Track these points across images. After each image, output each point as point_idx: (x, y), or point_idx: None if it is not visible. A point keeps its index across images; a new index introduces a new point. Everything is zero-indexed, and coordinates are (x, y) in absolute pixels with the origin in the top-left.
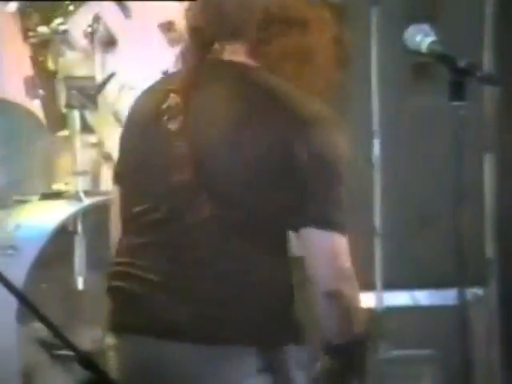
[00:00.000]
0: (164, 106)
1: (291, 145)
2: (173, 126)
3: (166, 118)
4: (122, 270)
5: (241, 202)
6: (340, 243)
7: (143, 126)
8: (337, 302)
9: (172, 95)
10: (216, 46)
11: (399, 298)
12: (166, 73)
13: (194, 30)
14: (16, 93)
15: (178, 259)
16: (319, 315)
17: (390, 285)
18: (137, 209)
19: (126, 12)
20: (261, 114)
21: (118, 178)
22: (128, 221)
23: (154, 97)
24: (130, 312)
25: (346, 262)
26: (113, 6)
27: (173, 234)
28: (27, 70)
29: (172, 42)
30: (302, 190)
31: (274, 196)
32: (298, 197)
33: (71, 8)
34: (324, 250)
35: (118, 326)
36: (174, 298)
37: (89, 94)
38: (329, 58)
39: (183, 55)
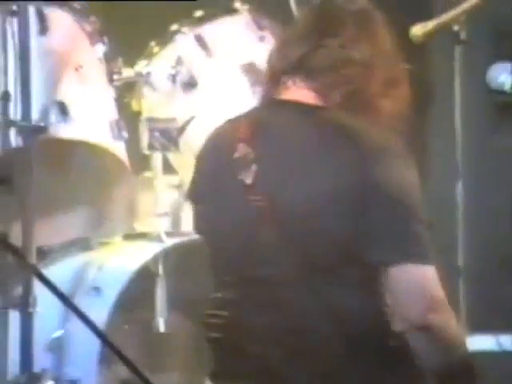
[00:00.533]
0: (235, 155)
1: (368, 183)
2: (247, 178)
3: (238, 169)
4: (219, 323)
5: (329, 248)
6: (431, 274)
7: (215, 181)
8: (434, 333)
9: (241, 144)
10: (286, 84)
11: (484, 343)
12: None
13: (269, 69)
14: (100, 135)
15: (274, 313)
16: (417, 351)
17: (475, 328)
18: (225, 264)
19: (208, 52)
20: (336, 154)
21: (200, 231)
22: (219, 275)
23: (222, 145)
24: (231, 362)
25: (439, 291)
26: (194, 46)
27: (264, 289)
28: (112, 112)
29: (253, 84)
30: (382, 224)
31: (356, 236)
32: (381, 232)
33: (155, 50)
34: (416, 284)
35: (219, 375)
36: (276, 351)
37: (171, 135)
38: (404, 97)
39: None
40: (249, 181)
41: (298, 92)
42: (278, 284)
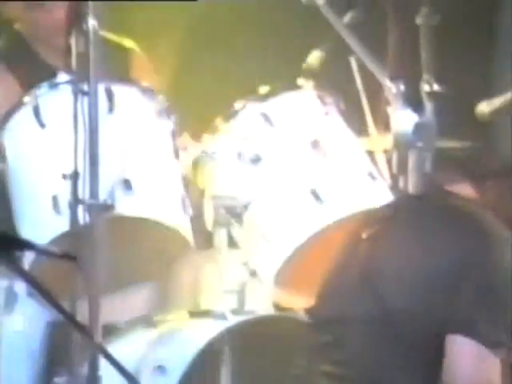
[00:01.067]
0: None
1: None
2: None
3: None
4: None
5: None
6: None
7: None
8: None
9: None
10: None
11: None
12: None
13: None
14: (165, 212)
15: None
16: None
17: None
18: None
19: (272, 128)
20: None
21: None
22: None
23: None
24: None
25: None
26: (259, 122)
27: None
28: (178, 189)
29: (317, 160)
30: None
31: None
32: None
33: (220, 126)
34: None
35: None
36: None
37: (235, 212)
38: None
39: None
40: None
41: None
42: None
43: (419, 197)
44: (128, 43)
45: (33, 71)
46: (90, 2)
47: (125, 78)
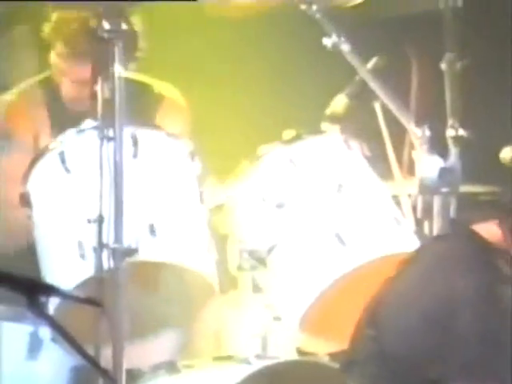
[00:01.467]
0: None
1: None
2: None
3: None
4: None
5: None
6: None
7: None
8: None
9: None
10: None
11: None
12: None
13: None
14: (189, 256)
15: None
16: None
17: None
18: None
19: (297, 173)
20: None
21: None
22: None
23: None
24: None
25: None
26: (284, 166)
27: None
28: (202, 233)
29: (341, 204)
30: None
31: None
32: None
33: (245, 171)
34: None
35: None
36: None
37: (259, 256)
38: None
39: None
40: None
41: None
42: None
43: (443, 237)
44: (157, 88)
45: (57, 117)
46: (117, 49)
47: (150, 122)
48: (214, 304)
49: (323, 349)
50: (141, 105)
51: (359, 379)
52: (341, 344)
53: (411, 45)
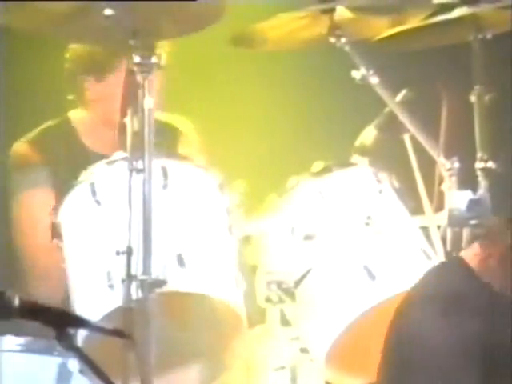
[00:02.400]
0: None
1: None
2: None
3: None
4: None
5: None
6: None
7: None
8: None
9: None
10: None
11: None
12: None
13: None
14: (217, 287)
15: None
16: None
17: None
18: None
19: (326, 205)
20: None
21: None
22: None
23: None
24: None
25: None
26: (313, 198)
27: None
28: (230, 264)
29: (370, 237)
30: None
31: None
32: None
33: (274, 203)
34: None
35: None
36: None
37: (288, 288)
38: None
39: None
40: None
41: None
42: None
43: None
44: (177, 123)
45: (80, 160)
46: (147, 82)
47: (178, 154)
48: (242, 335)
49: (350, 382)
50: (165, 138)
51: None
52: (368, 378)
53: (440, 77)
